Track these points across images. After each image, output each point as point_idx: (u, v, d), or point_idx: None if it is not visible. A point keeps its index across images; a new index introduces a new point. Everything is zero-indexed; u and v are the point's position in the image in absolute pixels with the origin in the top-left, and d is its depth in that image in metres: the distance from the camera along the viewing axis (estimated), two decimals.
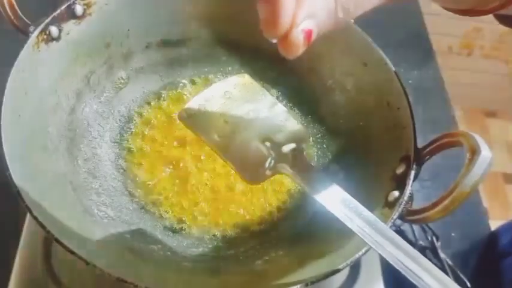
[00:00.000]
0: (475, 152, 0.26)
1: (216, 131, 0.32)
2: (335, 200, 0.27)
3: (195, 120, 0.32)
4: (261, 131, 0.32)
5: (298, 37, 0.21)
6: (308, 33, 0.21)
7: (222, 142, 0.31)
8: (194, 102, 0.33)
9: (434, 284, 0.24)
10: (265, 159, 0.31)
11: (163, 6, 0.43)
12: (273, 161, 0.31)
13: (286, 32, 0.21)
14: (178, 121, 0.43)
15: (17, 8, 0.34)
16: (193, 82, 0.46)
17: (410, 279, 0.24)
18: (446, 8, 0.29)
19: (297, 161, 0.31)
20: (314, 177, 0.29)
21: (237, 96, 0.34)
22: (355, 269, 0.43)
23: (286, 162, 0.31)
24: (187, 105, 0.33)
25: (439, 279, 0.24)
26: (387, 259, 0.25)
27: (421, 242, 0.49)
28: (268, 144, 0.32)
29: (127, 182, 0.40)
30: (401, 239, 0.26)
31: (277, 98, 0.46)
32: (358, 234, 0.26)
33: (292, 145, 0.32)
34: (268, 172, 0.31)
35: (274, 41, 0.21)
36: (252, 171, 0.31)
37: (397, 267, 0.25)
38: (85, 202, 0.36)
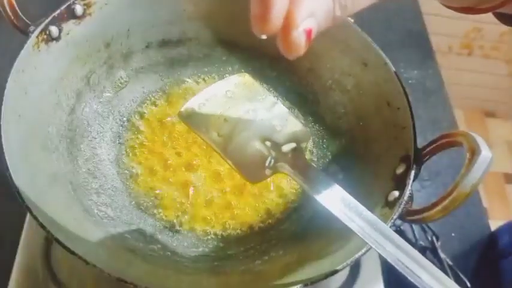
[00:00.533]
0: (475, 152, 0.26)
1: (216, 129, 0.32)
2: (335, 199, 0.27)
3: (195, 119, 0.32)
4: (261, 130, 0.32)
5: (299, 37, 0.21)
6: (309, 33, 0.21)
7: (222, 141, 0.31)
8: (194, 101, 0.33)
9: (434, 284, 0.24)
10: (265, 158, 0.31)
11: (163, 6, 0.43)
12: (273, 160, 0.31)
13: (285, 32, 0.21)
14: (178, 120, 0.43)
15: (17, 8, 0.34)
16: (193, 82, 0.46)
17: (410, 278, 0.24)
18: (447, 6, 0.29)
19: (297, 161, 0.31)
20: (314, 177, 0.29)
21: (238, 95, 0.34)
22: (355, 269, 0.43)
23: (286, 161, 0.31)
24: (187, 104, 0.33)
25: (439, 279, 0.24)
26: (387, 259, 0.25)
27: (421, 242, 0.49)
28: (268, 143, 0.32)
29: (127, 182, 0.40)
30: (401, 239, 0.26)
31: (277, 98, 0.46)
32: (358, 234, 0.26)
33: (293, 145, 0.32)
34: (268, 171, 0.31)
35: (264, 37, 0.21)
36: (252, 170, 0.31)
37: (397, 267, 0.25)
38: (85, 202, 0.36)
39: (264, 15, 0.20)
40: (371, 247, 0.27)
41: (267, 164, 0.31)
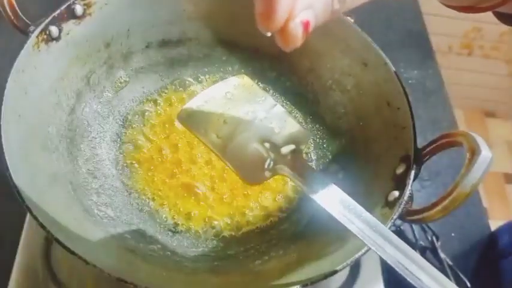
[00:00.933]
0: (475, 152, 0.26)
1: (215, 131, 0.32)
2: (334, 201, 0.27)
3: (194, 120, 0.32)
4: (260, 132, 0.32)
5: (296, 29, 0.20)
6: (306, 25, 0.21)
7: (221, 143, 0.31)
8: (193, 103, 0.33)
9: (433, 286, 0.24)
10: (264, 160, 0.31)
11: (163, 6, 0.43)
12: (272, 162, 0.31)
13: (282, 25, 0.20)
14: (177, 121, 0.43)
15: (17, 8, 0.34)
16: (193, 82, 0.46)
17: (410, 280, 0.24)
18: (447, 5, 0.29)
19: (296, 163, 0.31)
20: (313, 179, 0.29)
21: (238, 97, 0.34)
22: (355, 269, 0.43)
23: (285, 163, 0.31)
24: (186, 106, 0.33)
25: (439, 281, 0.24)
26: (387, 261, 0.25)
27: (421, 242, 0.49)
28: (267, 145, 0.32)
29: (127, 182, 0.40)
30: (401, 241, 0.26)
31: (277, 98, 0.46)
32: (358, 235, 0.26)
33: (291, 146, 0.32)
34: (267, 173, 0.31)
35: (269, 34, 0.21)
36: (251, 172, 0.31)
37: (397, 269, 0.25)
38: (85, 202, 0.36)
39: (269, 12, 0.20)
40: (371, 248, 0.27)
41: (266, 166, 0.31)
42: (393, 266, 0.25)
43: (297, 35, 0.21)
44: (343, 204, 0.27)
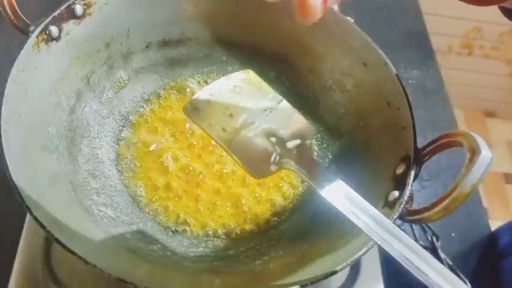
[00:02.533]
0: (475, 152, 0.26)
1: (221, 124, 0.32)
2: (340, 196, 0.28)
3: (200, 113, 0.32)
4: (266, 126, 0.32)
5: (316, 1, 0.21)
6: None
7: (227, 136, 0.31)
8: (199, 96, 0.33)
9: (439, 281, 0.24)
10: (270, 154, 0.31)
11: (163, 6, 0.43)
12: (278, 156, 0.31)
13: None
14: (178, 120, 0.43)
15: (17, 8, 0.34)
16: (193, 82, 0.46)
17: (416, 275, 0.24)
18: None
19: (302, 157, 0.31)
20: (319, 173, 0.29)
21: (245, 91, 0.34)
22: (355, 269, 0.43)
23: (291, 157, 0.31)
24: (192, 99, 0.33)
25: (445, 276, 0.24)
26: (393, 256, 0.25)
27: (421, 242, 0.49)
28: (273, 139, 0.32)
29: (127, 182, 0.40)
30: (407, 236, 0.26)
31: None
32: (365, 230, 0.26)
33: (297, 141, 0.32)
34: (273, 167, 0.31)
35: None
36: (257, 165, 0.31)
37: (404, 264, 0.25)
38: (85, 202, 0.36)
39: None
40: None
41: (272, 160, 0.31)
42: (400, 261, 0.25)
43: (316, 8, 0.21)
44: (349, 199, 0.27)
